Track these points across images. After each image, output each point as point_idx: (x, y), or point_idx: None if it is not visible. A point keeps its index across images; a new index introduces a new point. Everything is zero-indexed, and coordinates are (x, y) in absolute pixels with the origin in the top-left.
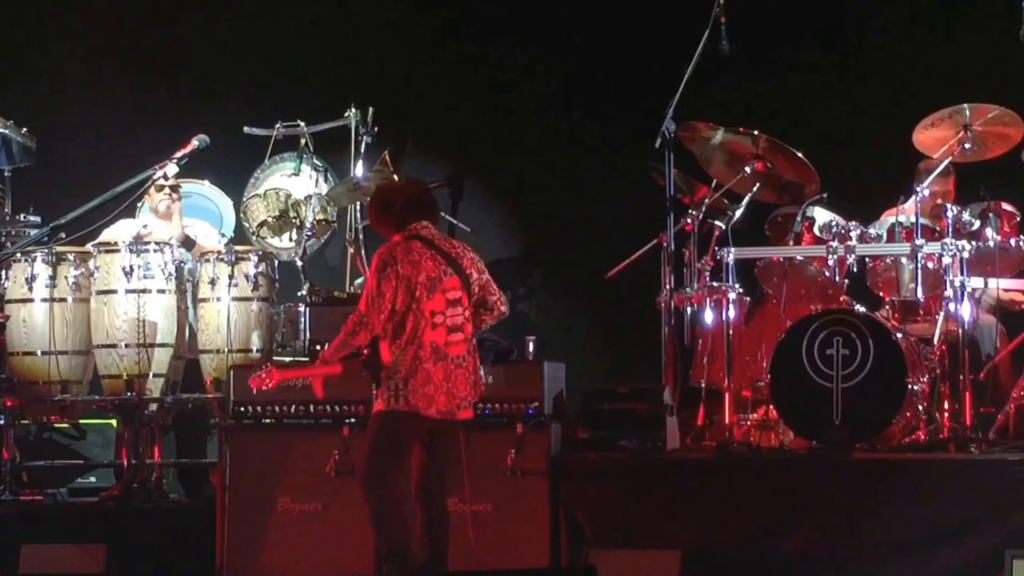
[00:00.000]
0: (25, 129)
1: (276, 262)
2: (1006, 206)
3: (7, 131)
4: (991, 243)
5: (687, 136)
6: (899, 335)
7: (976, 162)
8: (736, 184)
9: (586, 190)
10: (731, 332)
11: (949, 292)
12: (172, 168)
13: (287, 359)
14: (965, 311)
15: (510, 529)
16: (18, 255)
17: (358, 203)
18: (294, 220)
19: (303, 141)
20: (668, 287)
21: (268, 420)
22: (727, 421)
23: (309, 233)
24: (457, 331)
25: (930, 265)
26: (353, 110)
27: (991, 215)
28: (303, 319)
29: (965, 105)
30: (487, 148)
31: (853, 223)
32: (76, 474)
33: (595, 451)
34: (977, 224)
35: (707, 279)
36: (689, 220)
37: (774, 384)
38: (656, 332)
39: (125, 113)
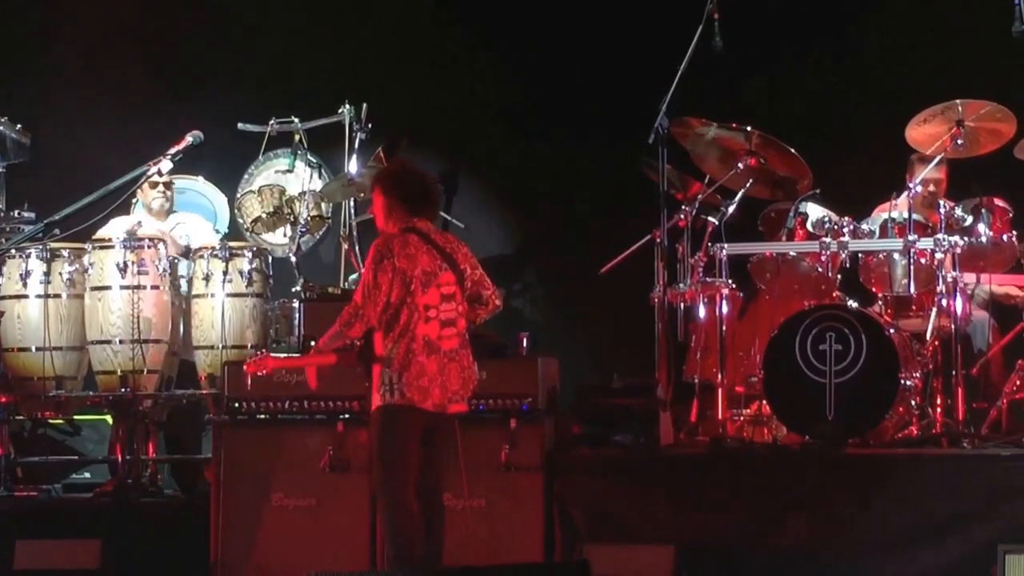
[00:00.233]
0: (19, 125)
1: (270, 258)
2: (999, 202)
3: (1, 127)
4: (983, 239)
5: (680, 132)
6: (892, 331)
7: (969, 158)
8: (729, 180)
9: (580, 186)
10: (724, 327)
11: (942, 288)
12: (166, 164)
13: (282, 354)
14: (958, 307)
15: (504, 524)
16: (12, 251)
17: (352, 199)
18: (288, 216)
19: (297, 137)
20: (662, 283)
21: (262, 416)
22: (720, 416)
23: (303, 229)
24: (450, 325)
25: (923, 261)
26: (347, 106)
27: (984, 211)
28: (297, 315)
29: (958, 101)
30: (481, 144)
31: (846, 219)
32: (71, 470)
33: (589, 446)
34: (970, 220)
35: (700, 275)
36: (682, 216)
37: (767, 379)
38: (650, 328)
39: (119, 109)
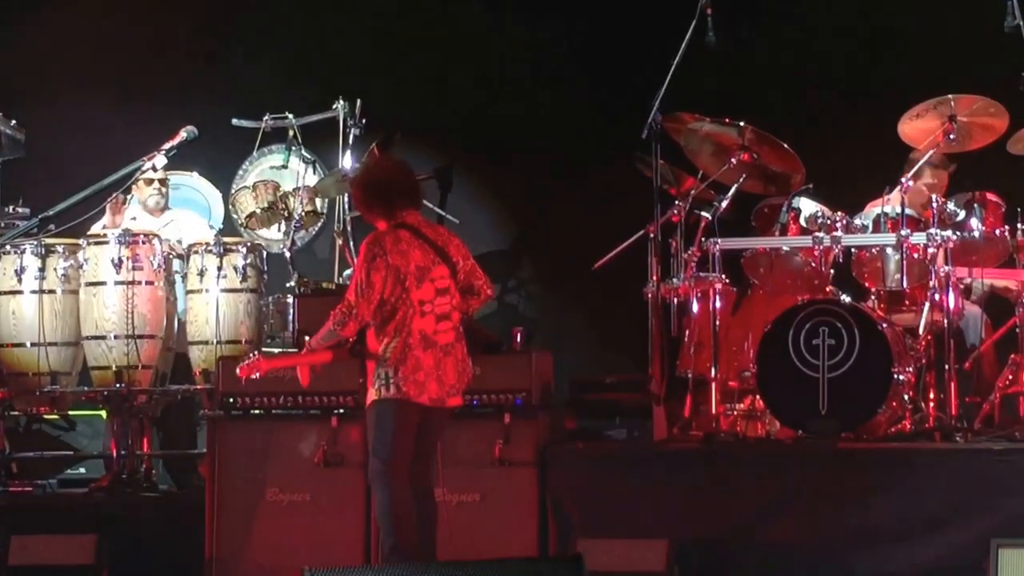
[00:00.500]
0: (14, 121)
1: (265, 254)
2: (991, 197)
3: None
4: (976, 233)
5: (674, 127)
6: (885, 325)
7: (961, 153)
8: (723, 175)
9: (573, 182)
10: (718, 322)
11: (934, 282)
12: (161, 160)
13: (276, 350)
14: (950, 301)
15: (498, 518)
16: (7, 247)
17: (346, 195)
18: (282, 212)
19: (291, 133)
20: (655, 278)
21: (257, 411)
22: (714, 411)
23: (297, 225)
24: (445, 319)
25: (915, 256)
26: (341, 102)
27: (976, 205)
28: (292, 310)
29: (950, 96)
30: (474, 140)
31: (839, 214)
32: (66, 465)
33: (583, 441)
34: (962, 214)
35: (694, 270)
36: (676, 211)
37: (760, 374)
38: (643, 323)
39: (114, 105)
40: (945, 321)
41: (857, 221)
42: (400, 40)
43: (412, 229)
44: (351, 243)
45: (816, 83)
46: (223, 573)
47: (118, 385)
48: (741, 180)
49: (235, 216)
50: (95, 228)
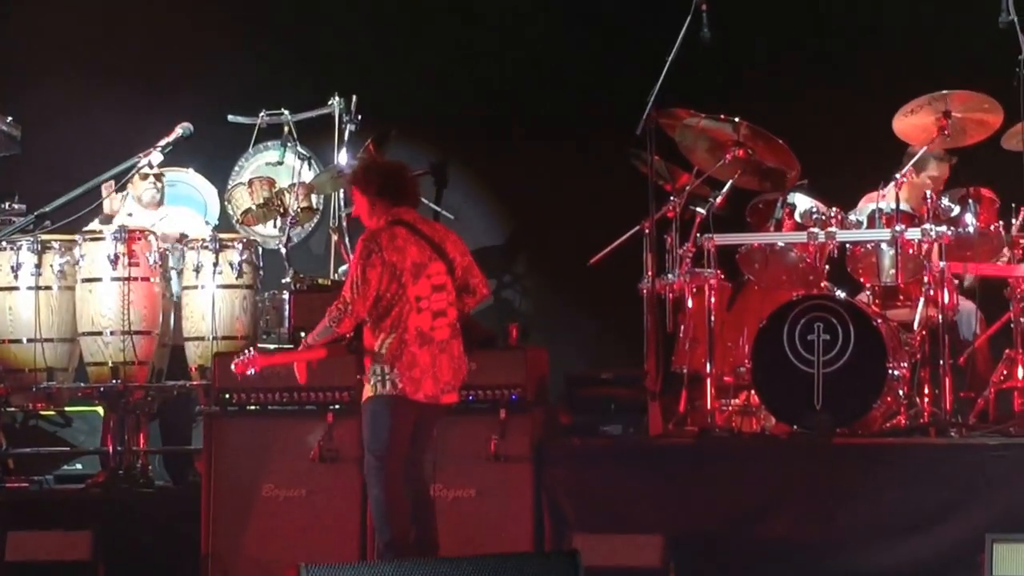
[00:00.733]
0: (10, 118)
1: (260, 250)
2: (985, 192)
3: None
4: (970, 229)
5: (669, 123)
6: (879, 320)
7: (955, 148)
8: (718, 171)
9: (569, 177)
10: (713, 318)
11: (928, 278)
12: (156, 156)
13: (271, 346)
14: (945, 297)
15: (493, 514)
16: (3, 243)
17: (342, 191)
18: (278, 208)
19: (287, 129)
20: (650, 274)
21: (253, 407)
22: (709, 406)
23: (293, 221)
24: (441, 315)
25: (910, 251)
26: (337, 98)
27: (970, 201)
28: (287, 306)
29: (945, 92)
30: (470, 136)
31: (834, 209)
32: (62, 461)
33: (578, 436)
34: (956, 210)
35: (689, 265)
36: (671, 207)
37: (755, 369)
38: (638, 318)
39: (109, 101)
40: (940, 316)
41: (852, 217)
42: (396, 37)
43: (408, 226)
44: (346, 239)
45: (811, 79)
46: (219, 569)
47: (114, 381)
48: (736, 176)
49: (231, 212)
50: (92, 224)
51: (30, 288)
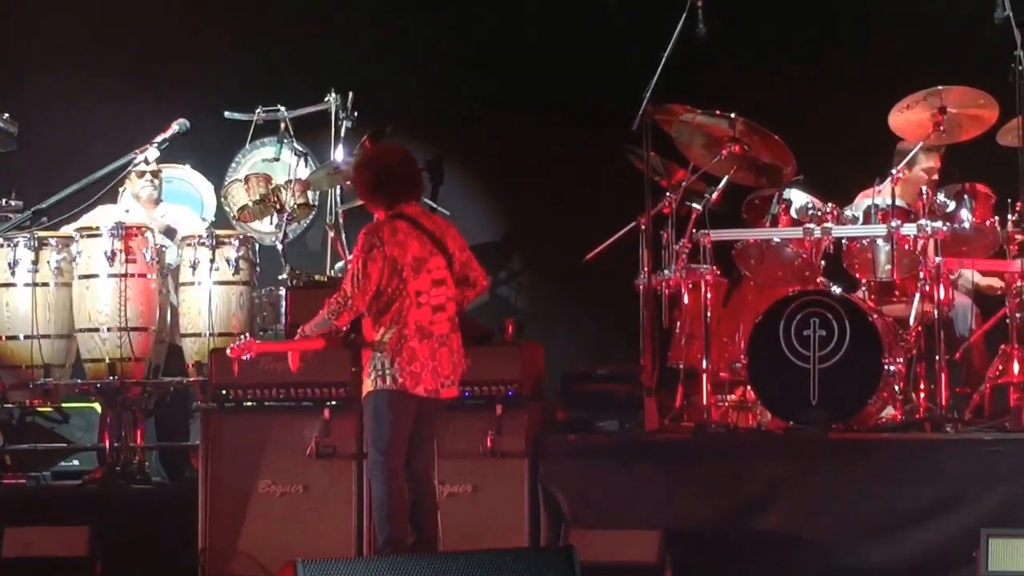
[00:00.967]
0: (7, 115)
1: (257, 246)
2: (981, 188)
3: None
4: (966, 224)
5: (665, 119)
6: (875, 316)
7: (951, 144)
8: (713, 167)
9: (565, 174)
10: (709, 314)
11: (924, 273)
12: (153, 152)
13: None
14: (941, 292)
15: (489, 509)
16: (0, 240)
17: (338, 187)
18: (274, 204)
19: (283, 125)
20: (646, 269)
21: (249, 403)
22: (705, 402)
23: (289, 217)
24: (441, 310)
25: (906, 247)
26: (333, 94)
27: (966, 196)
28: (284, 303)
29: (940, 87)
30: (466, 132)
31: (829, 205)
32: (59, 457)
33: (574, 432)
34: (952, 206)
35: (685, 261)
36: (667, 203)
37: (751, 365)
38: (635, 314)
39: (106, 98)
40: (935, 312)
41: (847, 212)
42: (392, 33)
43: (410, 219)
44: (343, 235)
45: (806, 75)
46: (216, 565)
47: (111, 377)
48: (732, 171)
49: (227, 209)
50: (88, 220)
51: (27, 284)
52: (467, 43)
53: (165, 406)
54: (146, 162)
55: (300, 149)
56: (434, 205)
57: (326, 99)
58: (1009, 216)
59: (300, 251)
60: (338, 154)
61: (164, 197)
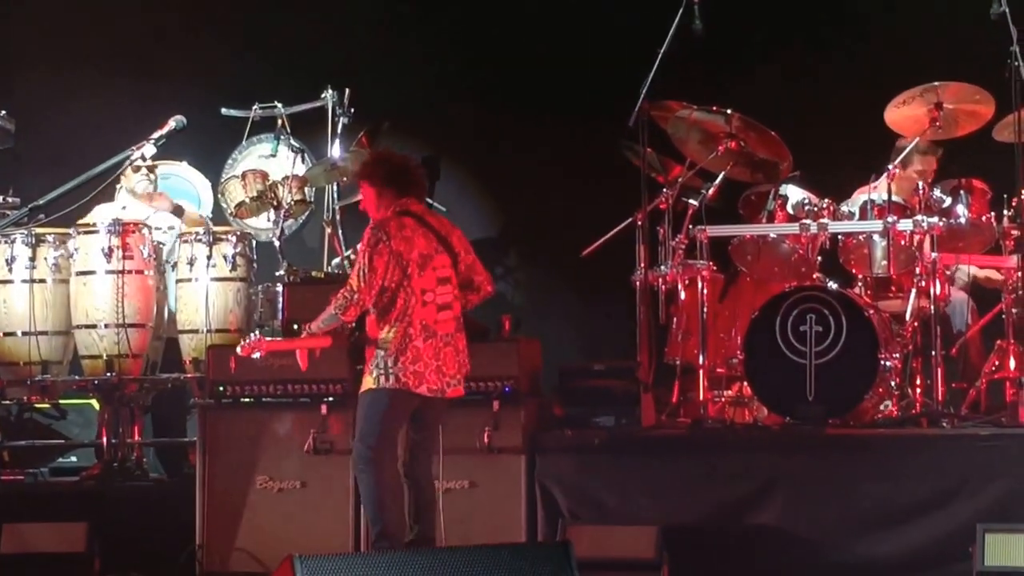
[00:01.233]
0: (3, 111)
1: (254, 242)
2: (977, 183)
3: None
4: (962, 220)
5: (661, 115)
6: (871, 312)
7: (947, 140)
8: (710, 163)
9: (561, 169)
10: (705, 309)
11: (920, 269)
12: (150, 149)
13: (267, 338)
14: (937, 288)
15: (486, 505)
16: None
17: (335, 183)
18: (271, 201)
19: (280, 122)
20: (643, 265)
21: (247, 399)
22: (702, 398)
23: (286, 213)
24: (446, 309)
25: (902, 242)
26: (330, 91)
27: (962, 192)
28: (281, 299)
29: (936, 83)
30: (463, 128)
31: (826, 201)
32: (57, 454)
33: (571, 428)
34: (948, 201)
35: (682, 257)
36: (663, 199)
37: (748, 361)
38: (631, 310)
39: (103, 94)
40: (932, 307)
41: (844, 208)
42: (389, 29)
43: (416, 216)
44: (340, 232)
45: (802, 70)
46: (214, 560)
47: (109, 374)
48: (728, 167)
49: (224, 205)
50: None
51: (24, 281)
52: (463, 40)
53: (162, 402)
54: (143, 158)
55: (297, 146)
56: (430, 202)
57: (323, 96)
58: (1005, 212)
59: (297, 247)
60: (335, 151)
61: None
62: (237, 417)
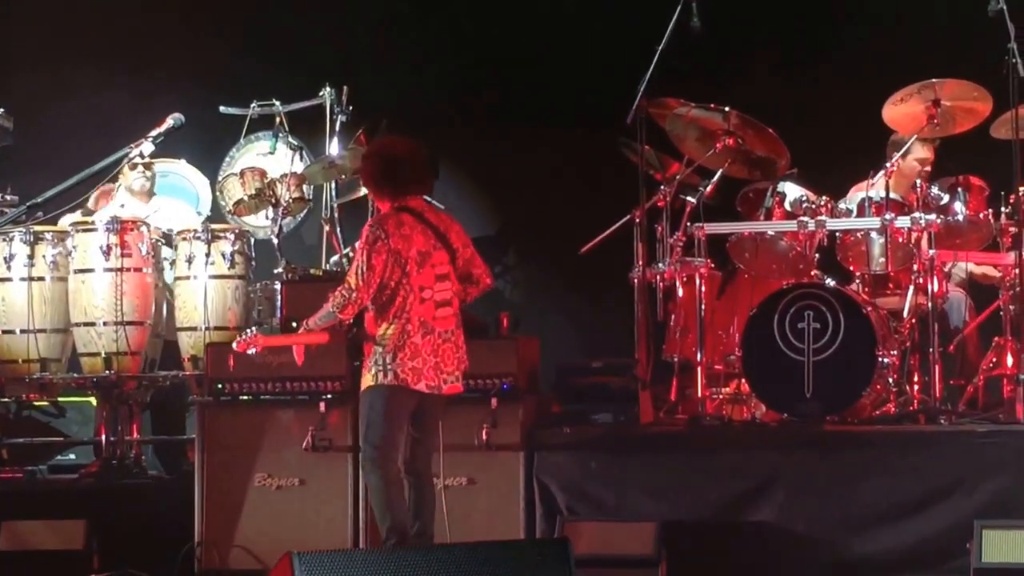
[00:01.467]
0: (2, 109)
1: (252, 240)
2: (975, 180)
3: None
4: (960, 217)
5: (659, 112)
6: (869, 309)
7: (945, 137)
8: (708, 160)
9: (559, 167)
10: (703, 307)
11: (918, 266)
12: (148, 146)
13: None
14: (934, 285)
15: (484, 502)
16: None
17: (333, 181)
18: (270, 198)
19: (278, 120)
20: (641, 263)
21: (245, 396)
22: (700, 395)
23: (284, 211)
24: (445, 306)
25: (900, 239)
26: (328, 89)
27: (960, 189)
28: (279, 297)
29: (934, 80)
30: (461, 126)
31: (824, 198)
32: (56, 451)
33: (569, 425)
34: (946, 198)
35: (679, 254)
36: (661, 196)
37: (746, 358)
38: (629, 307)
39: (101, 92)
40: (929, 304)
41: (841, 205)
42: (387, 27)
43: (414, 213)
44: (338, 229)
45: (800, 67)
46: (212, 557)
47: (107, 371)
48: (726, 165)
49: (222, 203)
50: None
51: (23, 279)
52: (462, 37)
53: (161, 400)
54: (141, 156)
55: (295, 143)
56: (429, 199)
57: (321, 94)
58: (1003, 208)
59: (295, 245)
60: (333, 148)
61: (160, 191)
62: (236, 414)
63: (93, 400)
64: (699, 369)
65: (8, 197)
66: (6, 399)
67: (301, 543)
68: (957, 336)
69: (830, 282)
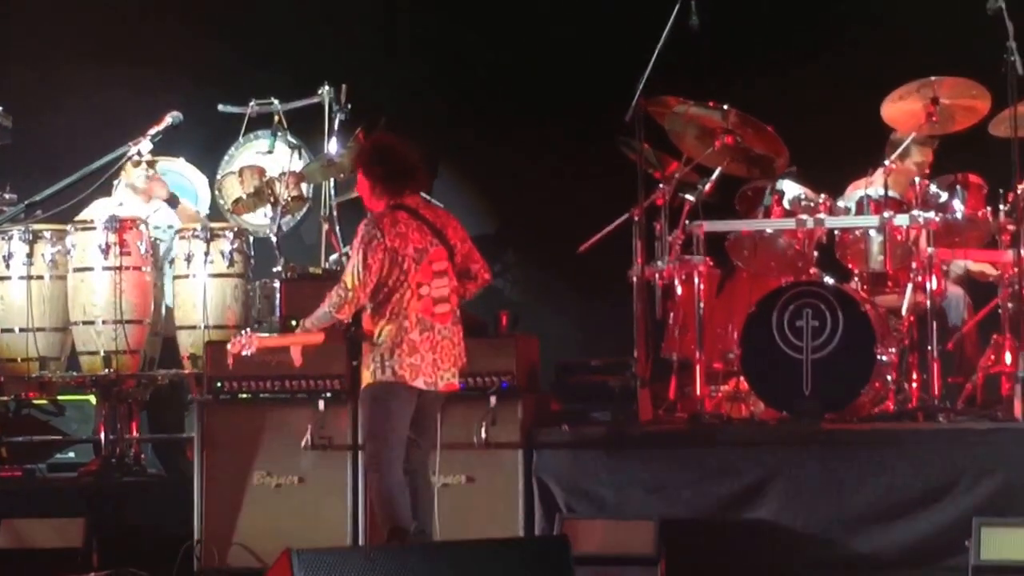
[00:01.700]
0: (1, 108)
1: (251, 239)
2: (973, 178)
3: None
4: (958, 215)
5: (658, 111)
6: (868, 306)
7: (944, 135)
8: (706, 158)
9: (558, 165)
10: (702, 305)
11: (916, 264)
12: (147, 144)
13: (264, 334)
14: (933, 283)
15: (484, 500)
16: None
17: (332, 180)
18: (269, 197)
19: (277, 118)
20: (640, 261)
21: (244, 395)
22: (698, 393)
23: (283, 210)
24: (443, 302)
25: (898, 237)
26: (326, 87)
27: (959, 187)
28: (278, 295)
29: (933, 78)
30: (459, 125)
31: (822, 196)
32: (55, 450)
33: (568, 423)
34: (945, 196)
35: (678, 252)
36: (660, 194)
37: (745, 356)
38: (628, 306)
39: (100, 90)
40: (928, 302)
41: (840, 203)
42: (386, 26)
43: (410, 210)
44: (337, 228)
45: (799, 65)
46: (211, 556)
47: (106, 370)
48: (725, 163)
49: (221, 201)
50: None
51: (22, 278)
52: (460, 36)
53: (160, 398)
54: (139, 154)
55: (294, 142)
56: (428, 198)
57: (320, 92)
58: (1001, 206)
59: (294, 244)
60: (332, 147)
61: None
62: (235, 413)
63: (92, 399)
64: (698, 367)
65: (7, 195)
66: (5, 398)
67: (300, 541)
68: (956, 334)
69: (829, 280)
